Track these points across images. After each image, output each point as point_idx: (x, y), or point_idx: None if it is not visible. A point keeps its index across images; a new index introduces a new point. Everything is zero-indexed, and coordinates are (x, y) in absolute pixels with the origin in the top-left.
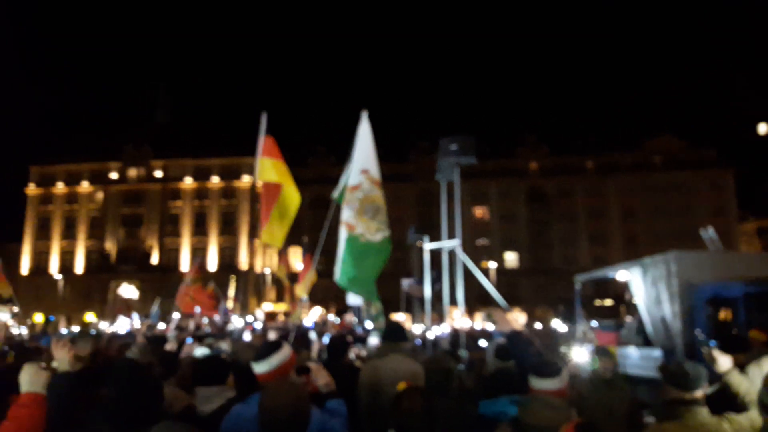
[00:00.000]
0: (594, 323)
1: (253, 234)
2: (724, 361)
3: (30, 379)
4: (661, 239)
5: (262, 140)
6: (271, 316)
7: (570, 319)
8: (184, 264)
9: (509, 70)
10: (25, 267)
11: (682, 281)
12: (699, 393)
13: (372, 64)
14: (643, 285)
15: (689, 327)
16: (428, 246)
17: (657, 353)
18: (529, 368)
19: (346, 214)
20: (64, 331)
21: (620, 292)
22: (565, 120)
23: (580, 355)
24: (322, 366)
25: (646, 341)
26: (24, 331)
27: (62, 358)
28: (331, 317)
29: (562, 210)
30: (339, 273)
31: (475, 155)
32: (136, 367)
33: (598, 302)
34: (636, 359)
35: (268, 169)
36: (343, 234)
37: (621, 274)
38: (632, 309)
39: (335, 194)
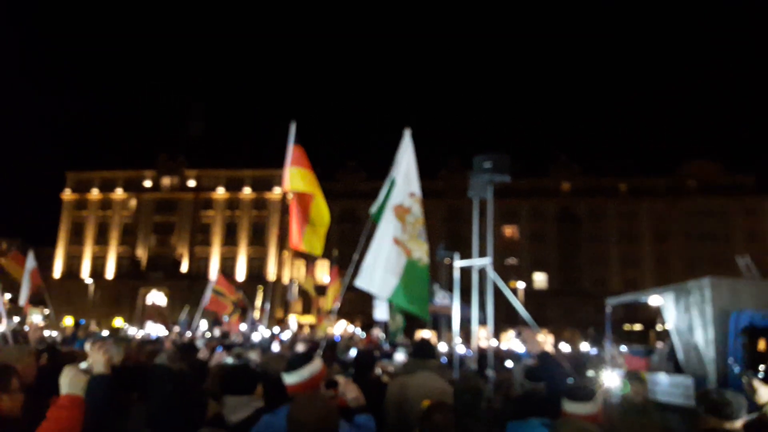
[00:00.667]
0: (623, 348)
1: (282, 245)
2: (764, 392)
3: (70, 381)
4: (694, 265)
5: (291, 149)
6: (300, 328)
7: (598, 343)
8: (213, 273)
9: (542, 88)
10: (57, 271)
11: (716, 308)
12: (738, 423)
13: (403, 80)
14: (676, 311)
15: (723, 356)
16: (459, 263)
17: (688, 381)
18: (562, 391)
19: (401, 236)
20: (104, 333)
21: (651, 318)
22: (598, 141)
23: (611, 380)
24: (351, 380)
25: (676, 368)
26: (55, 334)
27: (98, 360)
28: (357, 331)
29: (593, 232)
30: (392, 293)
31: (509, 173)
32: (177, 375)
33: (627, 327)
34: (666, 386)
35: (298, 178)
36: (399, 256)
37: (653, 299)
38: (663, 335)
39: (373, 210)
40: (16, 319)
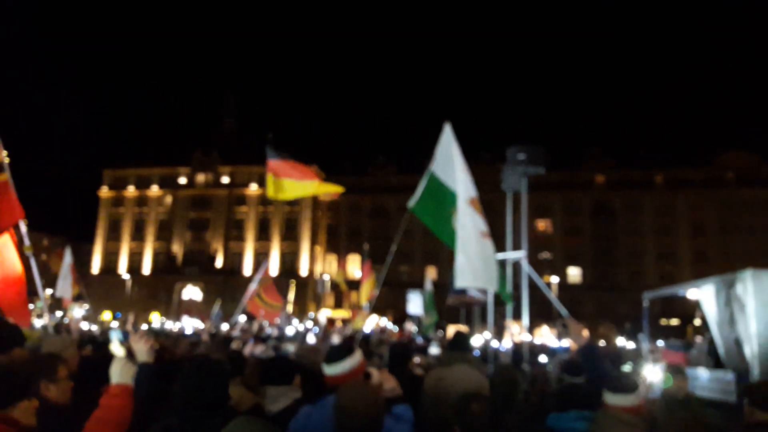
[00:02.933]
0: (660, 342)
1: (314, 241)
2: None
3: (120, 371)
4: (732, 257)
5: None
6: (330, 322)
7: (634, 338)
8: (247, 268)
9: (574, 81)
10: (95, 266)
11: (759, 301)
12: None
13: (433, 75)
14: (716, 304)
15: (766, 349)
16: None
17: (729, 376)
18: (603, 383)
19: (484, 228)
20: (144, 326)
21: (688, 312)
22: (633, 134)
23: (652, 374)
24: (386, 371)
25: (716, 363)
26: (94, 327)
27: (141, 350)
28: (389, 325)
29: (628, 225)
30: (498, 285)
31: (544, 165)
32: (207, 362)
33: (664, 321)
34: (705, 381)
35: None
36: (491, 247)
37: (692, 292)
38: (701, 329)
39: (411, 203)
40: (59, 313)
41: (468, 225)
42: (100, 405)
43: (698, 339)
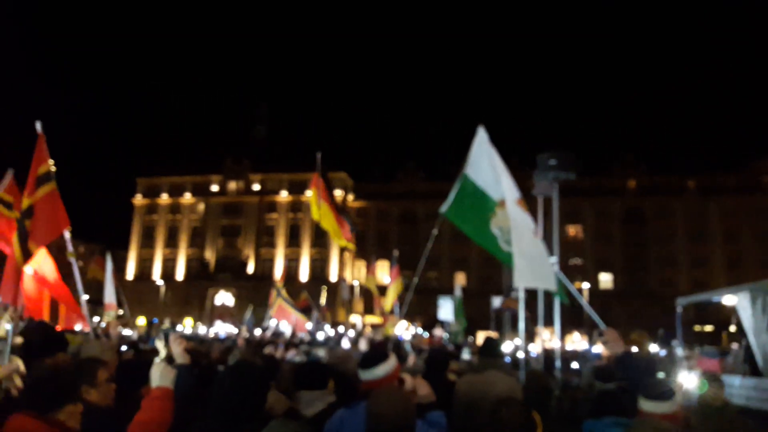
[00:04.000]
0: (695, 349)
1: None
2: None
3: (160, 374)
4: (767, 264)
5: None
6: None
7: (667, 345)
8: (278, 273)
9: (607, 85)
10: (130, 273)
11: None
12: None
13: (461, 81)
14: (752, 311)
15: None
16: None
17: (767, 384)
18: (639, 390)
19: (534, 227)
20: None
21: (723, 318)
22: (666, 140)
23: (688, 381)
24: (421, 377)
25: (753, 370)
26: (129, 332)
27: (178, 352)
28: (419, 331)
29: (660, 231)
30: (556, 284)
31: (575, 171)
32: (247, 367)
33: (697, 328)
34: (742, 389)
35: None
36: (538, 242)
37: (727, 299)
38: (736, 336)
39: (443, 209)
40: (96, 318)
41: (521, 225)
42: (142, 408)
43: (734, 346)
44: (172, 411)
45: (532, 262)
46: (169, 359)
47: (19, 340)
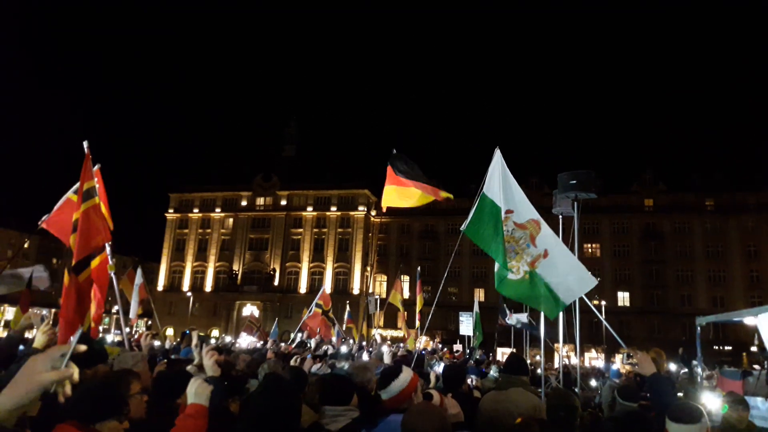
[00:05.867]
0: (715, 369)
1: (366, 261)
2: None
3: (196, 391)
4: None
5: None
6: (382, 341)
7: (686, 364)
8: (303, 286)
9: (626, 104)
10: (161, 284)
11: None
12: None
13: (482, 100)
14: None
15: None
16: None
17: None
18: (666, 412)
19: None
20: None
21: (742, 338)
22: (684, 158)
23: (711, 402)
24: (450, 395)
25: None
26: (157, 343)
27: (209, 365)
28: (439, 345)
29: (678, 249)
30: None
31: (595, 190)
32: (282, 380)
33: (716, 347)
34: (764, 411)
35: (394, 195)
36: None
37: (749, 319)
38: (757, 356)
39: (464, 227)
40: (126, 330)
41: (553, 240)
42: (176, 425)
43: (756, 367)
44: (206, 429)
45: (570, 274)
46: (199, 367)
47: (82, 347)
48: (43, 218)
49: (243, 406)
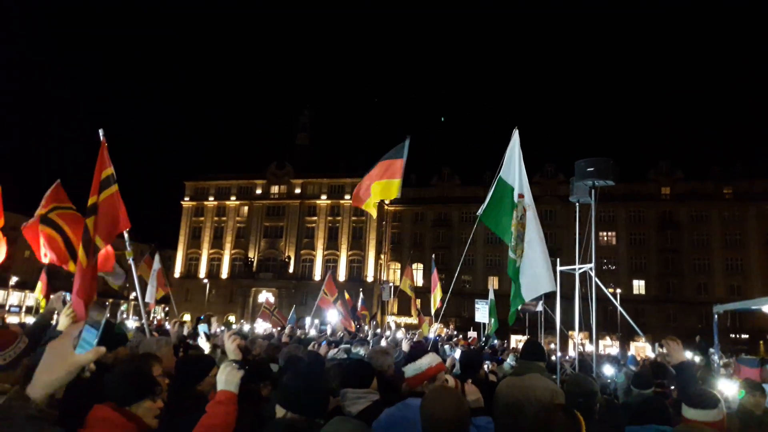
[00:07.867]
0: (732, 357)
1: (380, 249)
2: None
3: (226, 378)
4: None
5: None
6: (396, 328)
7: (702, 352)
8: (318, 274)
9: (643, 92)
10: (177, 271)
11: None
12: None
13: (497, 87)
14: None
15: None
16: (559, 269)
17: None
18: (684, 398)
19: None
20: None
21: (759, 326)
22: (701, 146)
23: (728, 389)
24: (470, 381)
25: None
26: (186, 331)
27: (231, 349)
28: (454, 333)
29: (695, 237)
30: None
31: (612, 178)
32: (314, 364)
33: (732, 336)
34: None
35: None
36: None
37: (767, 308)
38: None
39: (480, 211)
40: (144, 316)
41: (536, 229)
42: (207, 411)
43: None
44: (235, 416)
45: (539, 269)
46: (214, 348)
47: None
48: (24, 224)
49: (273, 389)
